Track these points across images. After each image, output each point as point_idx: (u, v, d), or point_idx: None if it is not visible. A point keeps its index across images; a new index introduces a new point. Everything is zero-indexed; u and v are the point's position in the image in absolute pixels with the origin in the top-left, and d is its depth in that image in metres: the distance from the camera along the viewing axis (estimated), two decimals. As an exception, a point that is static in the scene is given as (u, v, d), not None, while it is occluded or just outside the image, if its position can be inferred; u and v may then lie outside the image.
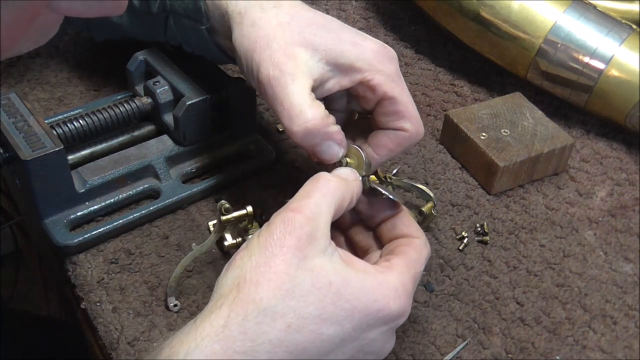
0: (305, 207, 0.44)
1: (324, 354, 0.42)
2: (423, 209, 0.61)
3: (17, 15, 0.31)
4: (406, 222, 0.50)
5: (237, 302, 0.41)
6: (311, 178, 0.47)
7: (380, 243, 0.51)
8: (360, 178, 0.50)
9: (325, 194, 0.45)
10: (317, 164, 0.56)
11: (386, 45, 0.54)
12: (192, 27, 0.61)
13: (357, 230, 0.52)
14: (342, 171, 0.50)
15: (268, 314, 0.41)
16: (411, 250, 0.48)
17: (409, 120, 0.53)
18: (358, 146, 0.51)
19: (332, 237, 0.46)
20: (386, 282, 0.44)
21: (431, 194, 0.62)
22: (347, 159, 0.51)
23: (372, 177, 0.63)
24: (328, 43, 0.51)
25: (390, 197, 0.49)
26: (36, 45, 0.37)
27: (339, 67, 0.52)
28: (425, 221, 0.61)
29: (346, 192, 0.47)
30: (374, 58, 0.52)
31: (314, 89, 0.51)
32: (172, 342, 0.41)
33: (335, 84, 0.52)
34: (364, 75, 0.52)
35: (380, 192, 0.50)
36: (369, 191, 0.50)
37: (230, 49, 0.57)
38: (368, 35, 0.54)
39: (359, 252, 0.52)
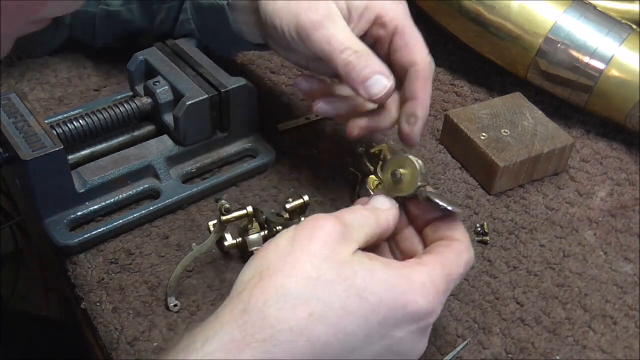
0: (339, 216, 0.44)
1: (348, 350, 0.41)
2: None
3: None
4: (451, 225, 0.47)
5: (257, 288, 0.40)
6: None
7: (425, 245, 0.49)
8: (397, 206, 0.48)
9: (358, 217, 0.45)
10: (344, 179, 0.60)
11: None
12: (210, 6, 0.63)
13: (405, 235, 0.50)
14: (376, 201, 0.49)
15: (289, 300, 0.39)
16: (448, 250, 0.46)
17: (417, 53, 0.56)
18: (413, 157, 0.49)
19: (376, 245, 0.46)
20: (413, 277, 0.42)
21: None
22: (401, 170, 0.49)
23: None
24: None
25: (449, 208, 0.47)
26: (64, 11, 0.37)
27: (357, 10, 0.56)
28: None
29: (377, 222, 0.46)
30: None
31: None
32: (193, 331, 0.40)
33: (354, 28, 0.56)
34: (376, 13, 0.56)
35: (437, 203, 0.47)
36: (425, 201, 0.48)
37: (249, 23, 0.61)
38: None
39: (405, 258, 0.49)
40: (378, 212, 0.47)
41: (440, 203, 0.47)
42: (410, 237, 0.49)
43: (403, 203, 0.49)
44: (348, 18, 0.56)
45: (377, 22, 0.56)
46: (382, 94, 0.53)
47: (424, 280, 0.42)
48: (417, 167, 0.48)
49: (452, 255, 0.45)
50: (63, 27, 0.76)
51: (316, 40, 0.53)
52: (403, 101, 0.58)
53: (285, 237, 0.43)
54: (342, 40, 0.53)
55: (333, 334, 0.40)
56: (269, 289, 0.40)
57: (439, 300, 0.43)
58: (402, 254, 0.50)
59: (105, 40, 0.76)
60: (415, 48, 0.56)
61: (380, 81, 0.53)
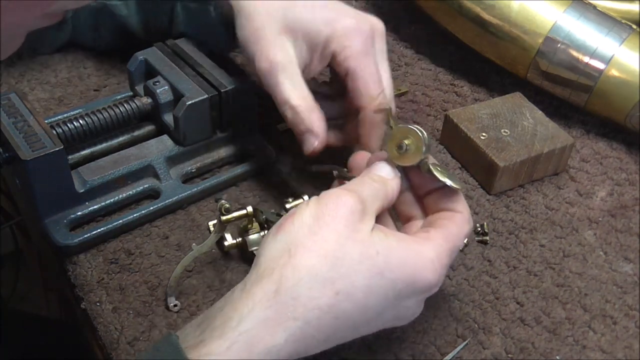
0: (357, 192, 0.45)
1: (365, 322, 0.44)
2: None
3: None
4: (453, 197, 0.49)
5: (288, 267, 0.42)
6: (356, 178, 0.49)
7: (425, 213, 0.50)
8: (400, 176, 0.49)
9: (372, 191, 0.47)
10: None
11: (365, 20, 0.57)
12: (199, 10, 0.64)
13: (404, 198, 0.51)
14: (382, 169, 0.49)
15: (319, 280, 0.42)
16: (451, 224, 0.47)
17: (365, 98, 0.56)
18: (417, 127, 0.49)
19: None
20: (422, 252, 0.45)
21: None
22: (406, 141, 0.48)
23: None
24: (306, 27, 0.56)
25: (448, 184, 0.48)
26: (77, 4, 0.38)
27: (316, 48, 0.57)
28: None
29: (386, 194, 0.48)
30: (344, 35, 0.56)
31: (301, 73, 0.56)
32: (224, 308, 0.42)
33: (317, 65, 0.58)
34: (332, 50, 0.56)
35: (438, 178, 0.48)
36: (426, 172, 0.48)
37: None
38: (350, 11, 0.58)
39: (402, 219, 0.51)
40: (386, 183, 0.48)
41: (442, 179, 0.48)
42: (408, 201, 0.51)
43: (404, 169, 0.50)
44: (310, 56, 0.57)
45: (333, 61, 0.57)
46: (308, 152, 0.57)
47: (432, 256, 0.45)
48: (422, 139, 0.48)
49: (454, 228, 0.47)
50: (66, 25, 0.76)
51: (265, 86, 0.57)
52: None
53: (308, 214, 0.44)
54: (282, 93, 0.56)
55: (356, 309, 0.43)
56: (300, 269, 0.42)
57: (443, 273, 0.46)
58: (399, 216, 0.52)
59: (106, 37, 0.76)
60: (365, 91, 0.56)
61: (309, 140, 0.57)
